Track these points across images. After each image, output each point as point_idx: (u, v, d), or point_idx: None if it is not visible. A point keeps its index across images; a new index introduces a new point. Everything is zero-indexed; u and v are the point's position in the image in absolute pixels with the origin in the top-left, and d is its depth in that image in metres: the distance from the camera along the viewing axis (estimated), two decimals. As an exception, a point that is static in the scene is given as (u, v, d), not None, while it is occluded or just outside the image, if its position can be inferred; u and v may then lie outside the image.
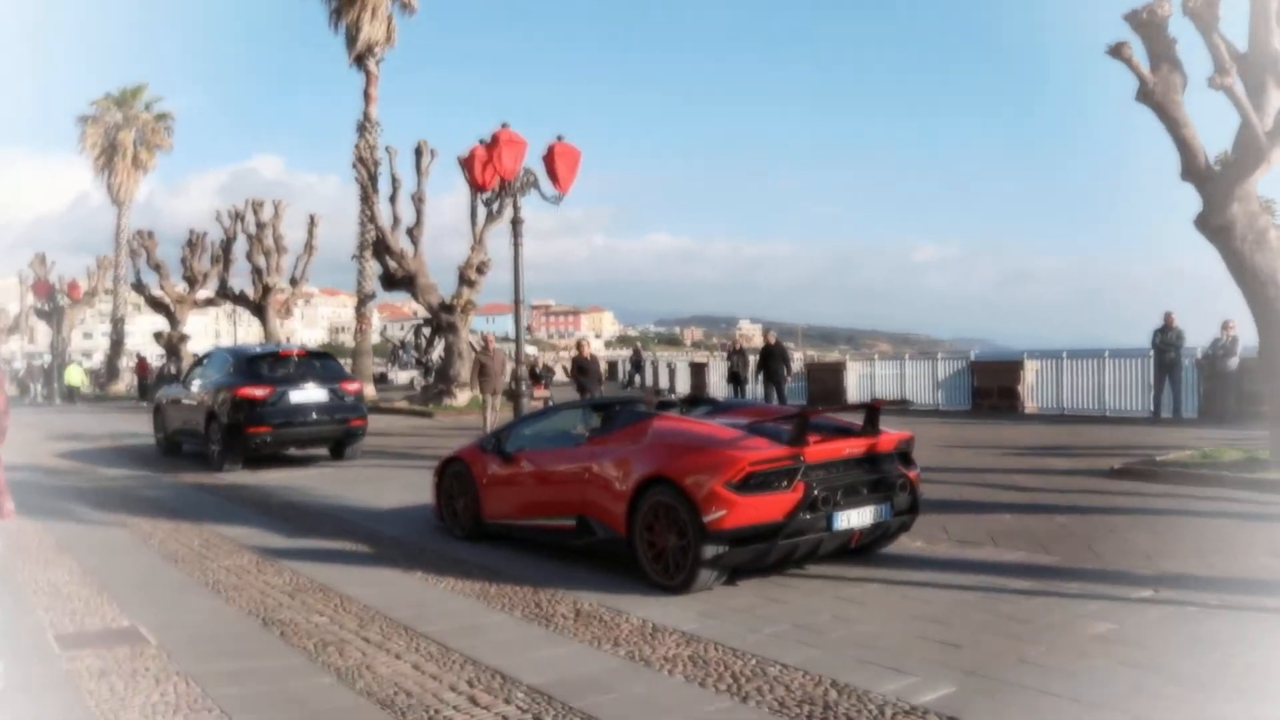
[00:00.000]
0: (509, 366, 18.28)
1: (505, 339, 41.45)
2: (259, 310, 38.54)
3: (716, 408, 9.62)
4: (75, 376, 46.91)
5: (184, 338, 42.46)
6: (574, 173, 18.52)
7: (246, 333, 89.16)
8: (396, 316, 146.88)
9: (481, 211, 29.52)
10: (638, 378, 43.90)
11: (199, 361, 18.41)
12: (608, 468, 8.14)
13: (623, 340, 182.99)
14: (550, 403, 31.61)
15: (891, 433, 7.95)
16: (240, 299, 39.40)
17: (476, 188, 17.96)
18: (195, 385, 17.30)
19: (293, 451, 17.10)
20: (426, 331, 51.72)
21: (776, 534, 7.11)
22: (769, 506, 7.08)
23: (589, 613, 7.06)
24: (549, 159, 18.20)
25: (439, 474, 10.54)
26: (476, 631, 6.72)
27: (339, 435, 16.50)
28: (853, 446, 7.61)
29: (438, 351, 47.91)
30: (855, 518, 7.44)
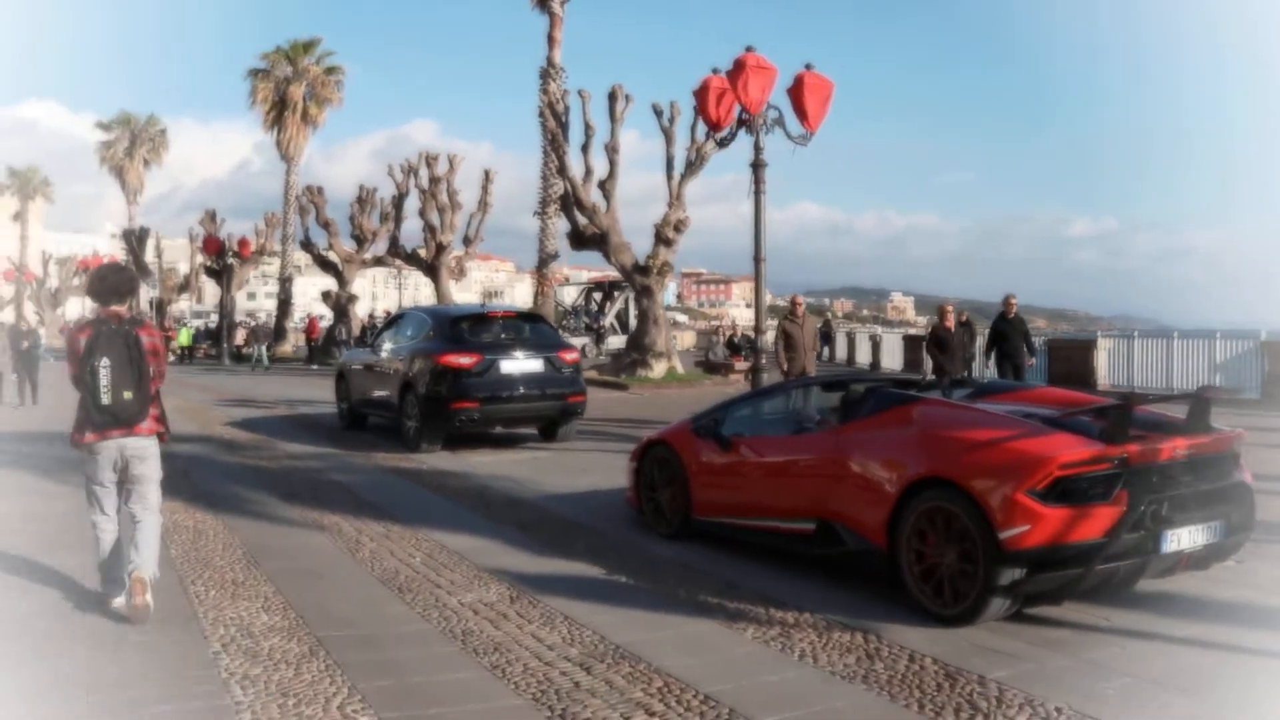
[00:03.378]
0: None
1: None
2: (431, 270, 36.69)
3: (980, 390, 7.61)
4: (185, 338, 47.30)
5: (353, 298, 41.04)
6: (825, 108, 15.67)
7: (413, 295, 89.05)
8: (551, 282, 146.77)
9: (680, 162, 26.89)
10: (826, 351, 40.82)
11: (391, 322, 16.14)
12: (861, 463, 6.70)
13: (774, 310, 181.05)
14: (748, 378, 29.09)
15: (1224, 430, 6.32)
16: (412, 258, 37.62)
17: (711, 125, 15.18)
18: (386, 350, 15.02)
19: (497, 430, 14.67)
20: (598, 296, 49.64)
21: (1092, 557, 5.58)
22: (1084, 522, 5.62)
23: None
24: (796, 92, 15.43)
25: (637, 458, 8.79)
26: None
27: (555, 413, 14.00)
28: (1182, 446, 5.98)
29: (609, 317, 45.77)
30: (1186, 537, 5.84)
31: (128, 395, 5.91)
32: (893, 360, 31.84)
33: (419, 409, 13.47)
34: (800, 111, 15.38)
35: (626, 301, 47.33)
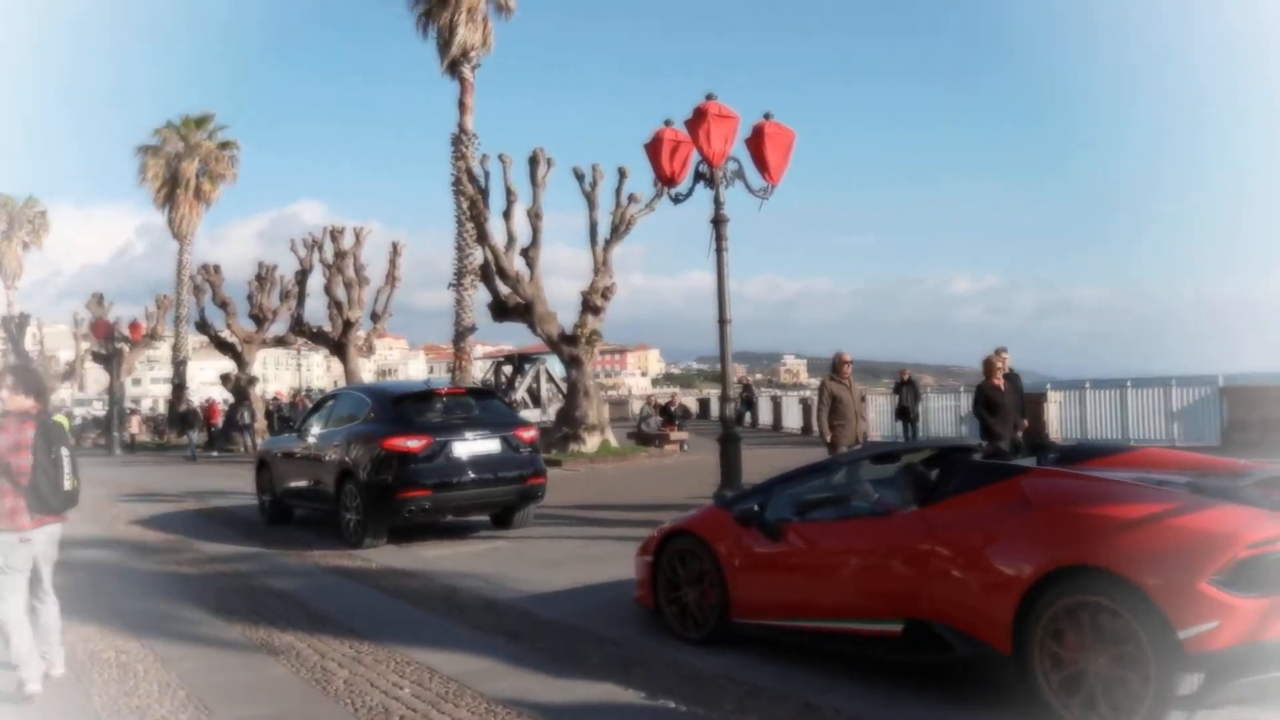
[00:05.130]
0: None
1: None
2: (339, 348, 34.91)
3: (1067, 455, 6.53)
4: (66, 426, 43.69)
5: (253, 380, 38.94)
6: (787, 159, 14.81)
7: (316, 375, 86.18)
8: (441, 357, 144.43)
9: (603, 228, 25.86)
10: (748, 416, 39.93)
11: (321, 404, 14.56)
12: (963, 550, 5.58)
13: (669, 379, 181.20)
14: (685, 448, 27.90)
15: None
16: (318, 336, 35.75)
17: (665, 180, 14.15)
18: (317, 434, 13.47)
19: (447, 518, 13.19)
20: (508, 370, 48.09)
21: None
22: None
23: None
24: (755, 142, 14.55)
25: (652, 551, 7.45)
26: None
27: (514, 498, 12.59)
28: None
29: (520, 391, 44.23)
30: None
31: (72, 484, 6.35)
32: (793, 420, 31.34)
33: (361, 500, 11.95)
34: (760, 163, 14.47)
35: (537, 375, 46.04)
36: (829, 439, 12.87)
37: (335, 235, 34.87)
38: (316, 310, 36.67)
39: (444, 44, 30.95)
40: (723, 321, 14.21)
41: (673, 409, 30.46)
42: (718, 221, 14.15)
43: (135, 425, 42.94)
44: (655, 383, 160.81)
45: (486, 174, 25.44)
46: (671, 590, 7.33)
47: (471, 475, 12.02)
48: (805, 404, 34.01)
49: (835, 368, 13.58)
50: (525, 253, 25.32)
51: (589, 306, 25.34)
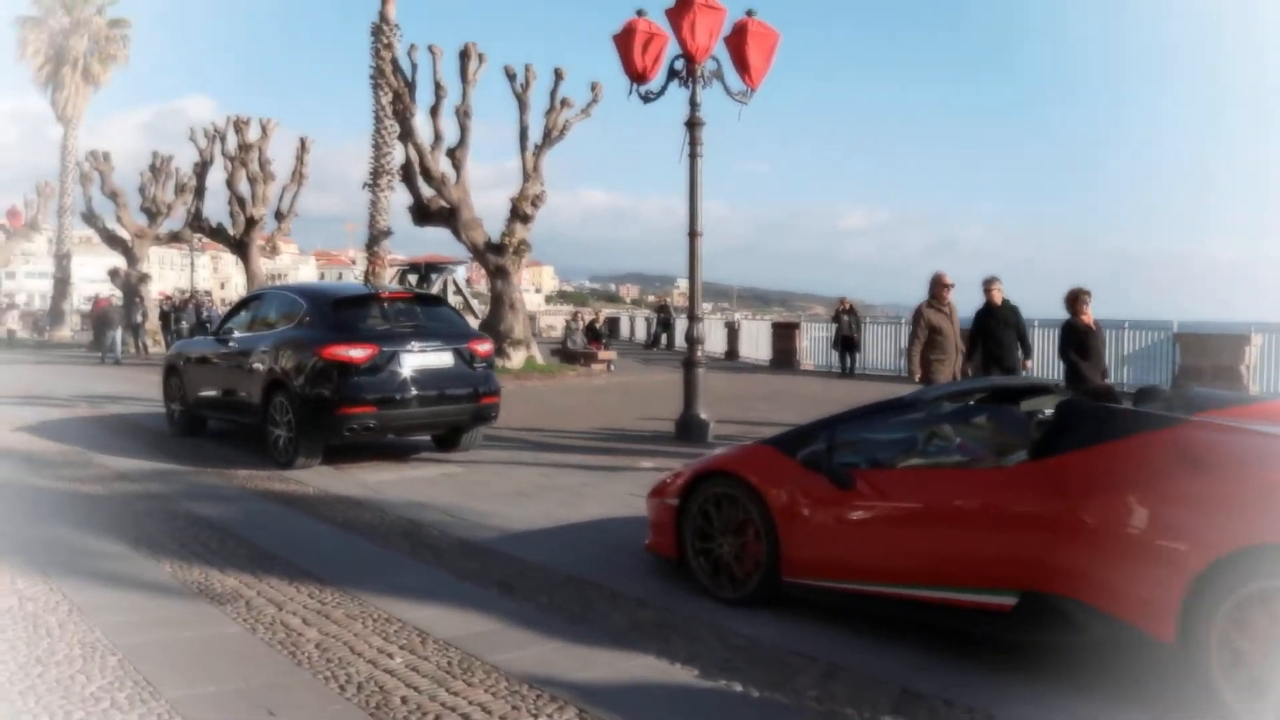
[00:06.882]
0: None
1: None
2: (240, 247, 32.75)
3: (1189, 403, 5.41)
4: None
5: (145, 277, 36.43)
6: (769, 62, 13.63)
7: (202, 278, 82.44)
8: (334, 264, 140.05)
9: (535, 132, 24.35)
10: (664, 338, 38.94)
11: (242, 305, 12.98)
12: (1112, 513, 4.53)
13: (563, 296, 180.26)
14: (613, 368, 26.73)
15: None
16: (218, 233, 33.44)
17: (635, 76, 12.82)
18: (240, 339, 11.96)
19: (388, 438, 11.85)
20: (413, 279, 46.17)
21: None
22: None
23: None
24: (736, 41, 13.42)
25: (678, 495, 6.26)
26: None
27: (466, 418, 11.29)
28: None
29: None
30: None
31: None
32: (757, 351, 29.97)
33: (294, 415, 10.54)
34: (741, 64, 13.27)
35: (445, 285, 44.38)
36: (919, 376, 11.02)
37: (240, 126, 32.50)
38: (216, 208, 34.46)
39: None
40: (693, 235, 13.08)
41: (598, 327, 29.27)
42: (693, 125, 12.96)
43: (13, 320, 40.09)
44: (549, 300, 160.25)
45: (415, 66, 23.58)
46: (702, 540, 6.20)
47: (421, 391, 10.68)
48: (730, 328, 33.12)
49: (934, 292, 11.35)
50: (452, 153, 23.67)
51: (518, 215, 23.89)
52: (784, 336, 28.33)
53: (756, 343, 30.27)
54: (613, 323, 47.37)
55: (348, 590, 6.24)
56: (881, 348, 25.53)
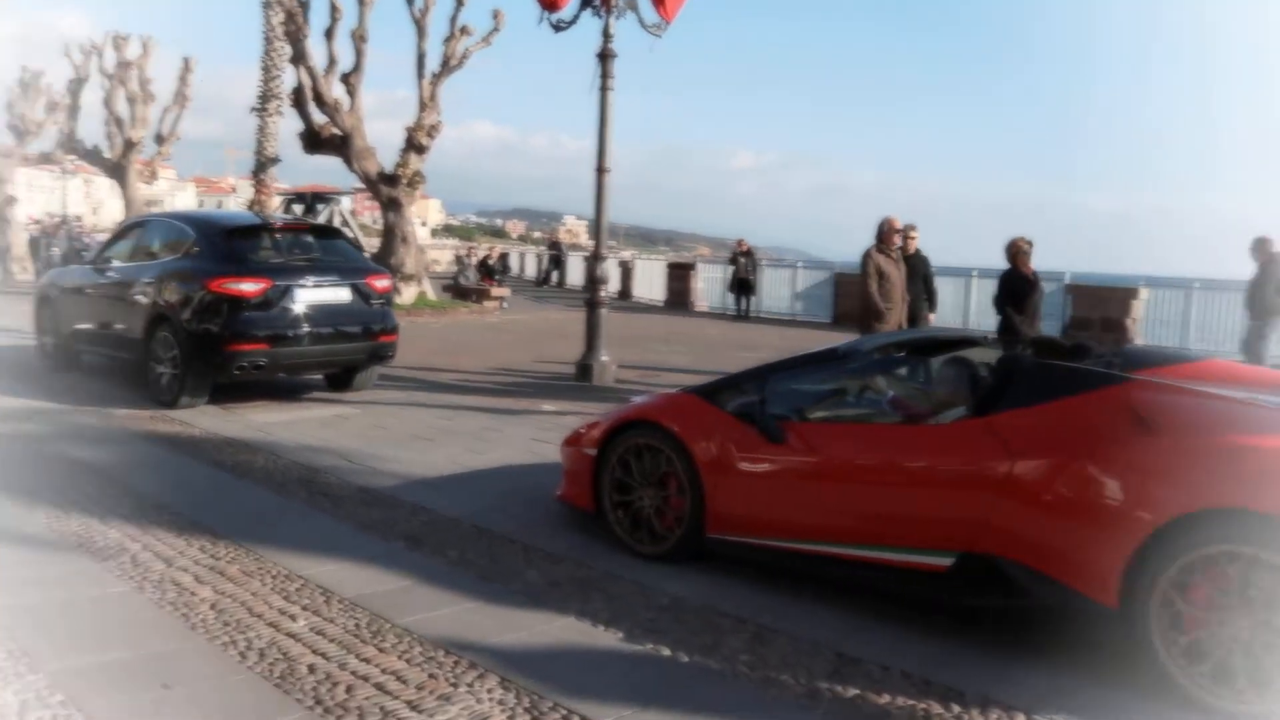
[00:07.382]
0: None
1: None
2: (117, 171, 31.23)
3: (1126, 361, 5.25)
4: None
5: (12, 200, 34.51)
6: (684, -5, 13.22)
7: (73, 201, 78.54)
8: (213, 191, 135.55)
9: (432, 60, 23.56)
10: (555, 275, 38.46)
11: (122, 233, 12.19)
12: (1059, 474, 4.38)
13: (449, 230, 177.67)
14: (505, 306, 26.25)
15: None
16: (93, 155, 31.76)
17: (547, 4, 12.34)
18: (119, 269, 11.26)
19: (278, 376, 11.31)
20: (298, 209, 44.72)
21: None
22: None
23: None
24: (652, -29, 12.96)
25: (598, 444, 5.99)
26: None
27: (362, 357, 10.83)
28: None
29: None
30: None
31: None
32: (651, 291, 29.70)
33: (180, 351, 9.95)
34: (654, -5, 12.87)
35: (331, 216, 43.07)
36: (882, 314, 10.33)
37: (119, 43, 30.82)
38: (92, 129, 32.73)
39: None
40: (601, 170, 12.73)
41: (492, 263, 28.68)
42: (605, 56, 12.54)
43: None
44: (435, 233, 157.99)
45: (303, -16, 22.51)
46: (621, 493, 5.95)
47: (316, 328, 10.17)
48: (625, 267, 32.77)
49: (882, 236, 10.60)
50: (346, 79, 22.77)
51: (413, 145, 23.13)
52: (679, 277, 28.17)
53: (651, 283, 30.03)
54: (503, 258, 46.59)
55: (243, 544, 5.84)
56: (777, 291, 25.51)
